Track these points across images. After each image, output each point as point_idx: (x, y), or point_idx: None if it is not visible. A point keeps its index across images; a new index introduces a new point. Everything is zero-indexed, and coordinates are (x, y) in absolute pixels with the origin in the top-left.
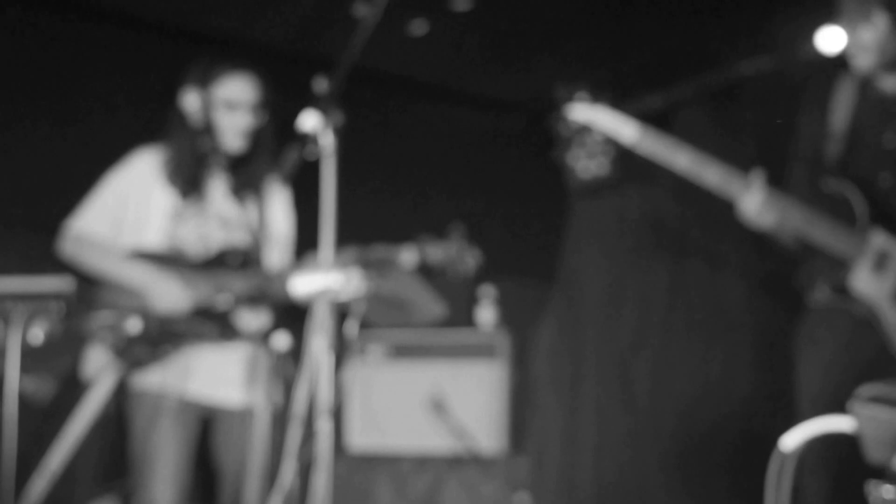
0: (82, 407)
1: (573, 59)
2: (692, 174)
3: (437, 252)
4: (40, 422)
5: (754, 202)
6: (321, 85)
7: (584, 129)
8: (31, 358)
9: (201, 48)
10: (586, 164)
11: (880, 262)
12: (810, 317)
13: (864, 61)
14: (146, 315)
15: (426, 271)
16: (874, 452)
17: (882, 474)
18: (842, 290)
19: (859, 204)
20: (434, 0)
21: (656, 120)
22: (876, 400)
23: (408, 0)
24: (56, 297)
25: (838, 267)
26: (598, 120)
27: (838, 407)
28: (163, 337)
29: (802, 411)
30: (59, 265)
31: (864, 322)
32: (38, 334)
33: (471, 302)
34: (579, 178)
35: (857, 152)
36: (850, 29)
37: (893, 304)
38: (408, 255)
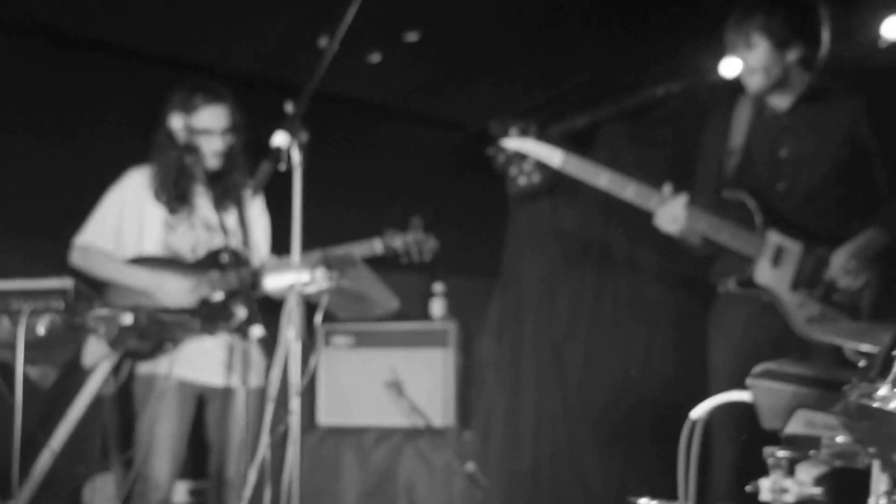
0: (82, 391)
1: (510, 84)
2: (612, 191)
3: (401, 240)
4: (45, 405)
5: (667, 213)
6: (289, 107)
7: (518, 156)
8: (35, 349)
9: (184, 76)
10: (523, 175)
11: (777, 257)
12: (718, 304)
13: (754, 82)
14: (137, 310)
15: (394, 258)
16: (769, 420)
17: (777, 439)
18: (748, 283)
19: (755, 209)
20: (387, 32)
21: (584, 136)
22: (769, 375)
23: (364, 32)
24: (57, 294)
25: (743, 263)
26: (528, 149)
27: (742, 381)
28: (151, 328)
29: (712, 386)
30: (59, 268)
31: (765, 307)
32: (40, 328)
33: (424, 296)
34: (517, 186)
35: (754, 164)
36: (739, 56)
37: (791, 292)
38: (370, 247)
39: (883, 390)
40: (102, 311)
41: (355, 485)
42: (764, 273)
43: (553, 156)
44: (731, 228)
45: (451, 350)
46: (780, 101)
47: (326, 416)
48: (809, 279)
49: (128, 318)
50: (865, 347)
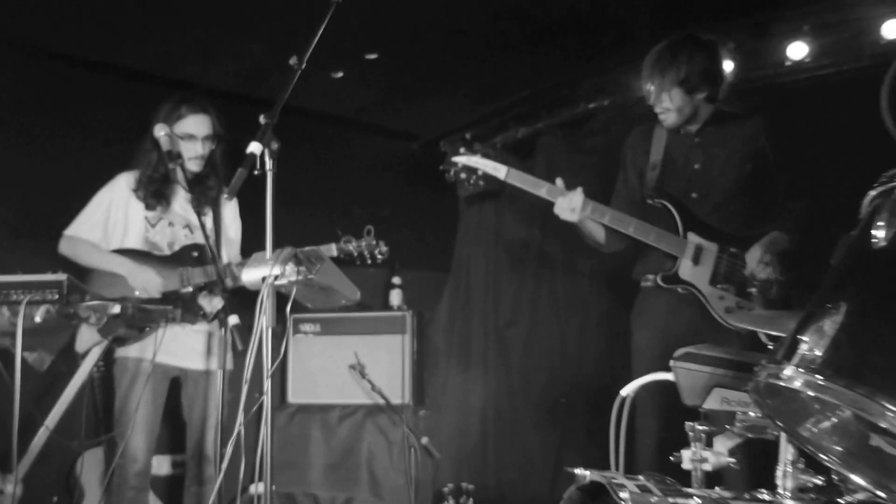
0: (75, 374)
1: (460, 98)
2: (551, 199)
3: (355, 246)
4: (41, 387)
5: (566, 203)
6: (263, 119)
7: (467, 168)
8: (32, 336)
9: (170, 91)
10: (472, 182)
11: (697, 256)
12: (641, 297)
13: (669, 120)
14: (125, 301)
15: (349, 261)
16: (689, 398)
17: (696, 415)
18: (673, 279)
19: (676, 214)
20: (349, 51)
21: (524, 144)
22: (689, 358)
23: (328, 52)
24: (52, 287)
25: (665, 262)
26: (476, 163)
27: (663, 364)
28: (138, 318)
29: (635, 368)
30: (56, 265)
31: (682, 298)
32: (37, 317)
33: (383, 288)
34: (466, 190)
35: (672, 176)
36: (655, 101)
37: (710, 286)
38: (327, 250)
39: (788, 371)
40: (93, 302)
41: (322, 457)
42: (686, 270)
43: (498, 169)
44: (656, 232)
45: (407, 336)
46: (691, 126)
47: (295, 395)
48: (725, 274)
49: (116, 308)
50: (776, 333)
